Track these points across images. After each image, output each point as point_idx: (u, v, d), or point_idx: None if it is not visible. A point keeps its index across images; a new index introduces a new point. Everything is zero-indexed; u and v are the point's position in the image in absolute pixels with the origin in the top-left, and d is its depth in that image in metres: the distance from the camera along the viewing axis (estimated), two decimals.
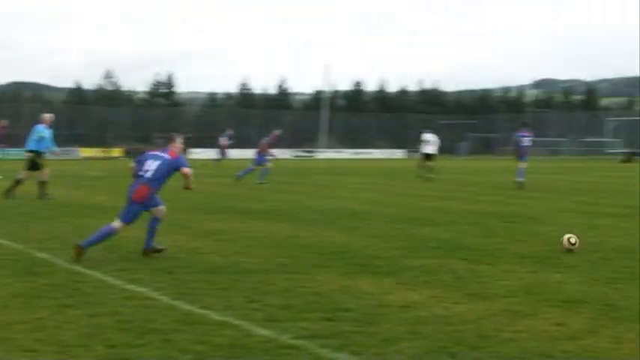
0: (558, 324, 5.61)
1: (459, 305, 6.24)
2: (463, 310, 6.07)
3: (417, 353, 4.87)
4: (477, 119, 77.20)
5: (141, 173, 8.34)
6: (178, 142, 8.61)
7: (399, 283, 7.20)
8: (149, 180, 8.27)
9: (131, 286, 6.80)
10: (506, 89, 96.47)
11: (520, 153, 22.22)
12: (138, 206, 8.28)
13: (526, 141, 22.47)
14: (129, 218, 8.29)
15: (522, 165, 22.04)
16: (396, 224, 12.16)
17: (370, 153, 68.37)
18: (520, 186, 21.56)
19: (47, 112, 16.84)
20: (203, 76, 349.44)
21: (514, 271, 7.90)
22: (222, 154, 40.70)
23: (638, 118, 74.33)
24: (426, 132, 27.41)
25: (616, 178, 29.08)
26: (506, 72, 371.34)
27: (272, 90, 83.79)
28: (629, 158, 53.24)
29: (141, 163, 8.44)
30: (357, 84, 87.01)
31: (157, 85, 78.53)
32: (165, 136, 9.02)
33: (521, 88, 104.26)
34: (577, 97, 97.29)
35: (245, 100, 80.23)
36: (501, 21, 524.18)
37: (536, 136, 23.41)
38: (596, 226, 12.06)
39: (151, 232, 8.46)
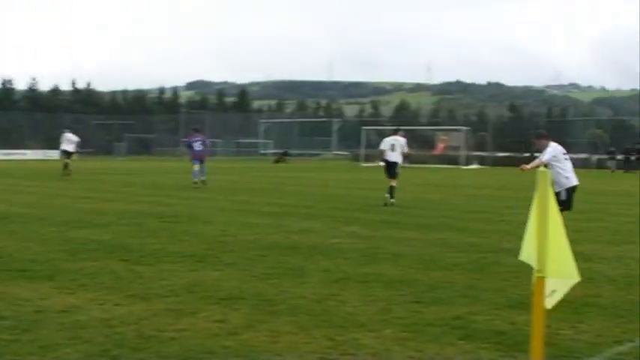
0: (218, 321, 5.77)
1: (119, 307, 6.15)
2: (124, 311, 5.99)
3: (78, 358, 4.72)
4: (134, 120, 76.81)
5: None
6: None
7: (57, 287, 6.93)
8: None
9: None
10: (161, 90, 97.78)
11: (195, 156, 23.85)
12: None
13: (197, 145, 23.98)
14: None
15: (196, 167, 23.54)
16: (53, 227, 11.69)
17: (23, 154, 64.26)
18: (197, 186, 22.82)
19: None
20: None
21: (175, 270, 7.99)
22: None
23: (287, 120, 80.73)
24: (66, 131, 29.45)
25: (270, 178, 31.12)
26: (161, 73, 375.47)
27: None
28: (280, 158, 57.26)
29: None
30: (6, 82, 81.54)
31: None
32: None
33: (175, 90, 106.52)
34: (230, 99, 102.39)
35: None
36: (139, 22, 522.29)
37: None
38: (252, 224, 12.72)
39: None
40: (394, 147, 17.78)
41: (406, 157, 18.28)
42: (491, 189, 25.11)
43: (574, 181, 11.06)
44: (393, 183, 17.51)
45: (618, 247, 10.40)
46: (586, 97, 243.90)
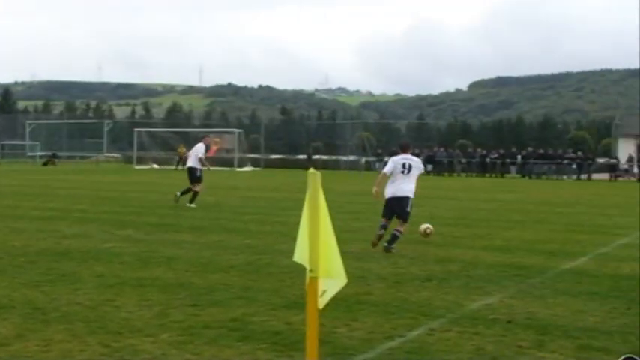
0: None
1: None
2: None
3: None
4: None
5: None
6: None
7: None
8: None
9: None
10: None
11: None
12: None
13: None
14: None
15: None
16: None
17: None
18: None
19: None
20: None
21: None
22: None
23: (56, 121, 76.28)
24: None
25: (38, 181, 29.41)
26: None
27: None
28: (49, 161, 54.08)
29: None
30: None
31: None
32: None
33: None
34: None
35: None
36: None
37: None
38: (20, 230, 12.02)
39: None
40: (192, 153, 18.50)
41: (201, 162, 18.25)
42: (265, 191, 25.74)
43: (387, 194, 10.73)
44: (197, 188, 17.87)
45: None
46: (354, 101, 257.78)
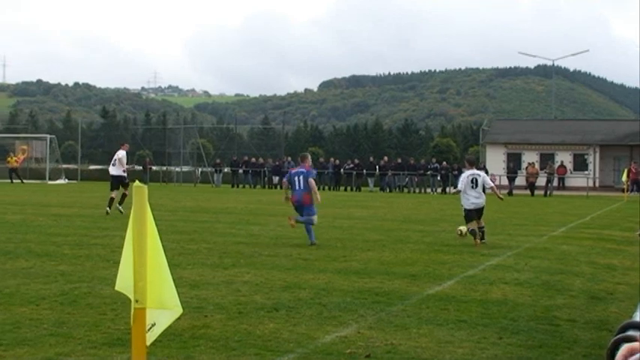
0: None
1: None
2: None
3: None
4: None
5: None
6: None
7: None
8: None
9: None
10: None
11: None
12: None
13: None
14: None
15: None
16: None
17: None
18: None
19: None
20: None
21: None
22: None
23: None
24: None
25: None
26: None
27: None
28: None
29: None
30: None
31: None
32: None
33: None
34: None
35: None
36: None
37: None
38: None
39: None
40: (115, 162, 22.06)
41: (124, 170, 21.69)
42: (83, 207, 25.07)
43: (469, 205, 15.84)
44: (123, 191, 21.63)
45: (227, 270, 11.16)
46: (187, 103, 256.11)
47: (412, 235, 17.53)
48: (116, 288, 3.60)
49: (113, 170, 22.41)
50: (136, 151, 75.26)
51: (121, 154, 22.27)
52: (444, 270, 11.75)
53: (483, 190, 15.91)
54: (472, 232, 15.36)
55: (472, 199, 15.72)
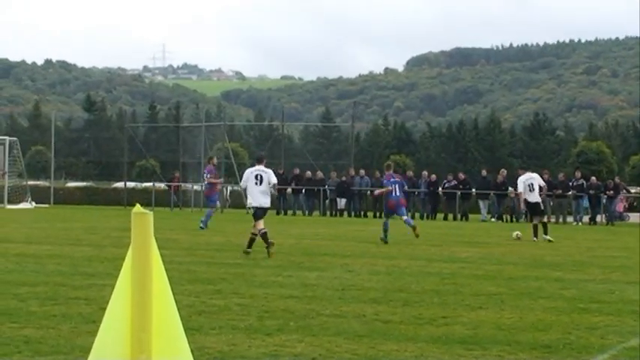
0: None
1: None
2: None
3: None
4: None
5: None
6: None
7: None
8: None
9: None
10: None
11: None
12: None
13: None
14: None
15: None
16: None
17: None
18: None
19: None
20: None
21: None
22: None
23: None
24: None
25: None
26: None
27: None
28: None
29: None
30: None
31: None
32: None
33: None
34: None
35: None
36: None
37: None
38: None
39: None
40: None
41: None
42: (59, 244, 25.41)
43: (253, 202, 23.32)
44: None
45: (270, 337, 11.09)
46: (211, 89, 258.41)
47: (546, 286, 17.37)
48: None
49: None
50: (136, 160, 76.13)
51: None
52: (593, 338, 11.60)
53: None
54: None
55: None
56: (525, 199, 31.33)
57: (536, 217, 31.37)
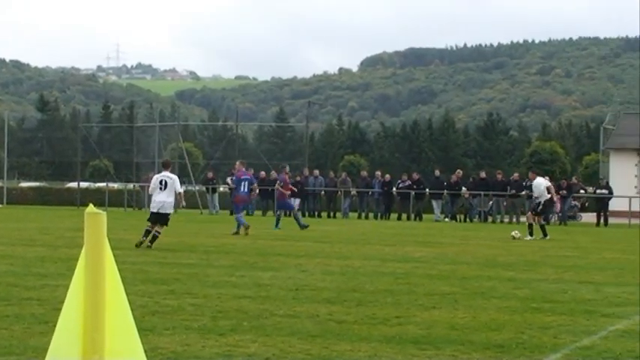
0: None
1: None
2: None
3: None
4: None
5: None
6: None
7: None
8: None
9: None
10: None
11: None
12: None
13: None
14: None
15: None
16: None
17: None
18: None
19: None
20: None
21: None
22: None
23: None
24: None
25: None
26: None
27: None
28: None
29: None
30: None
31: None
32: None
33: None
34: None
35: None
36: None
37: None
38: None
39: None
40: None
41: None
42: (10, 244, 25.26)
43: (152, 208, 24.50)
44: None
45: (224, 337, 11.07)
46: (165, 89, 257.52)
47: (499, 286, 17.45)
48: None
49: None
50: (89, 160, 75.75)
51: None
52: (545, 338, 11.65)
53: None
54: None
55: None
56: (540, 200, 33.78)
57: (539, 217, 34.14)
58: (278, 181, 39.19)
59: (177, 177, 26.21)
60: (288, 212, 39.69)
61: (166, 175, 25.41)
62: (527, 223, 33.70)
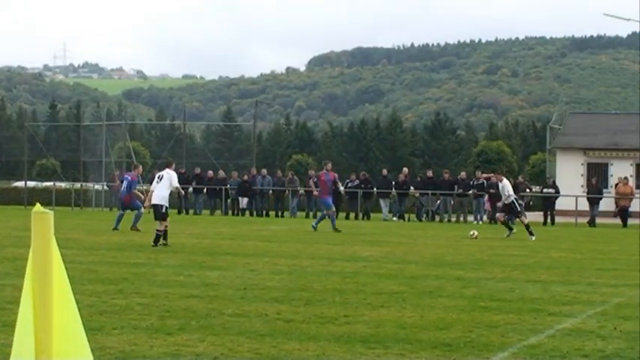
0: None
1: None
2: None
3: None
4: None
5: None
6: None
7: None
8: None
9: None
10: None
11: None
12: None
13: None
14: None
15: None
16: None
17: None
18: None
19: None
20: None
21: None
22: None
23: None
24: None
25: None
26: None
27: None
28: None
29: None
30: None
31: None
32: None
33: None
34: None
35: None
36: None
37: None
38: None
39: None
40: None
41: None
42: None
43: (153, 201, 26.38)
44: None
45: (171, 336, 11.07)
46: (112, 88, 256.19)
47: (446, 285, 17.53)
48: None
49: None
50: (36, 159, 75.25)
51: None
52: (493, 336, 11.71)
53: None
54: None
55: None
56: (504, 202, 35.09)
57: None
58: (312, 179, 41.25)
59: (175, 173, 27.41)
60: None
61: (165, 171, 26.96)
62: (524, 224, 33.96)
